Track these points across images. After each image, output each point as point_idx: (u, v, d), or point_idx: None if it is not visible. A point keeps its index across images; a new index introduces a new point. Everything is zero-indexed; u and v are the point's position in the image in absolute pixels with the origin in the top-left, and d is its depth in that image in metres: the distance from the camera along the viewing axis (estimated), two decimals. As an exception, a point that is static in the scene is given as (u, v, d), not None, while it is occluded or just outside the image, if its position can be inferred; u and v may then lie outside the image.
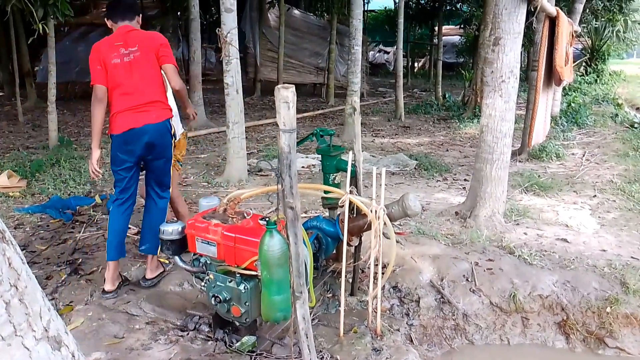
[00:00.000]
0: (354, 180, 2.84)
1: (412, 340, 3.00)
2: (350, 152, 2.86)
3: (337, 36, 13.32)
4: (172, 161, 3.25)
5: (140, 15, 3.17)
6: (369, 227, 2.68)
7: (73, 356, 1.43)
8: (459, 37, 20.81)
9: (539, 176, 5.69)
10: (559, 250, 3.71)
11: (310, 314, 2.44)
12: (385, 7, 25.49)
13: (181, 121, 3.57)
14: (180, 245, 2.59)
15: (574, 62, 7.31)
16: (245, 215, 2.54)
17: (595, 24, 14.82)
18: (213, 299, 2.48)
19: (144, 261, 3.41)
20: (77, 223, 4.23)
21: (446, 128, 9.50)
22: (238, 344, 2.54)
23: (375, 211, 2.60)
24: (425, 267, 3.42)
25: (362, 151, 3.75)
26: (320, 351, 2.53)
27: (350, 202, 2.69)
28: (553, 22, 4.69)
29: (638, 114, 11.00)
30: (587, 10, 13.01)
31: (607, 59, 15.80)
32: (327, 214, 3.23)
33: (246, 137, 5.73)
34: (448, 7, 19.07)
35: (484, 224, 4.01)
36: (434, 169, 6.12)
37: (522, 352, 3.16)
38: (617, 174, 5.79)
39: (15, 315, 1.24)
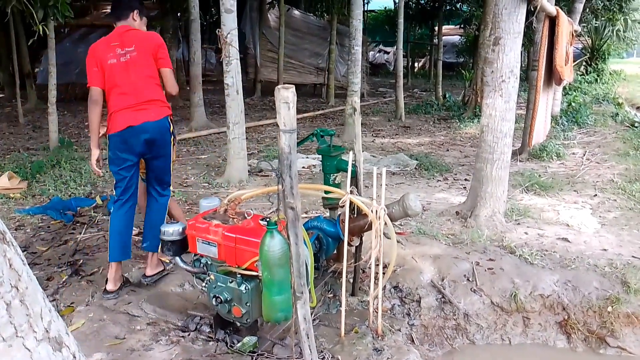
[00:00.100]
0: (355, 181, 2.84)
1: (413, 340, 3.00)
2: (351, 152, 2.86)
3: (337, 36, 13.32)
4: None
5: (137, 11, 3.12)
6: (370, 227, 2.67)
7: (74, 357, 1.43)
8: (459, 37, 20.83)
9: (539, 176, 5.69)
10: (559, 249, 3.70)
11: (311, 314, 2.44)
12: (385, 7, 25.50)
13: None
14: (181, 246, 2.59)
15: (574, 61, 7.32)
16: (246, 215, 2.54)
17: (596, 24, 14.82)
18: (214, 299, 2.48)
19: (145, 262, 3.42)
20: (78, 224, 4.23)
21: (446, 128, 9.50)
22: (239, 344, 2.54)
23: (376, 211, 2.60)
24: (426, 267, 3.42)
25: (363, 151, 3.75)
26: (322, 351, 2.53)
27: (351, 202, 2.69)
28: (553, 21, 4.69)
29: (638, 113, 11.00)
30: (587, 9, 13.01)
31: (608, 58, 15.79)
32: (327, 214, 3.23)
33: (247, 138, 5.73)
34: (448, 7, 19.08)
35: (484, 223, 4.00)
36: (434, 169, 6.11)
37: (523, 352, 3.16)
38: (618, 173, 5.79)
39: (16, 316, 1.24)
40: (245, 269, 2.40)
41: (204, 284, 2.58)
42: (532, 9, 4.00)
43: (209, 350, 2.56)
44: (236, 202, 2.57)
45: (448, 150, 7.53)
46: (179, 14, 12.57)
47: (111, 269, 3.03)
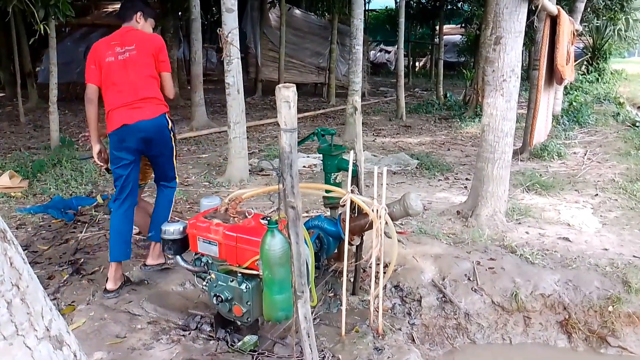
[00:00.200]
0: (355, 180, 2.84)
1: (414, 340, 3.00)
2: (352, 152, 2.86)
3: (338, 36, 13.33)
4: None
5: (141, 12, 3.15)
6: (371, 227, 2.67)
7: (75, 356, 1.43)
8: (460, 37, 20.83)
9: (540, 175, 5.68)
10: (560, 249, 3.70)
11: (312, 313, 2.44)
12: (386, 7, 25.53)
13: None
14: (182, 245, 2.59)
15: (575, 61, 7.30)
16: (247, 214, 2.54)
17: (597, 23, 14.81)
18: (215, 298, 2.48)
19: (145, 262, 3.42)
20: (79, 223, 4.23)
21: (447, 127, 9.49)
22: (240, 343, 2.54)
23: (377, 210, 2.60)
24: (426, 267, 3.41)
25: (364, 150, 3.75)
26: (322, 350, 2.53)
27: (352, 202, 2.69)
28: (554, 20, 4.69)
29: (639, 113, 10.98)
30: (589, 8, 12.99)
31: (609, 57, 15.78)
32: (328, 213, 3.23)
33: (247, 137, 5.74)
34: (449, 7, 19.10)
35: (485, 223, 4.00)
36: (435, 168, 6.11)
37: (524, 352, 3.16)
38: (619, 173, 5.78)
39: (17, 315, 1.24)
40: (246, 268, 2.40)
41: (204, 283, 2.58)
42: (533, 8, 3.99)
43: (209, 349, 2.56)
44: (237, 201, 2.57)
45: (449, 149, 7.52)
46: (179, 14, 12.59)
47: (111, 268, 3.03)
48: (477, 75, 10.47)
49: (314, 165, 6.21)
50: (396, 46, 13.80)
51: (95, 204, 4.64)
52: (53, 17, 6.14)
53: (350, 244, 2.87)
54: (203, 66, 9.72)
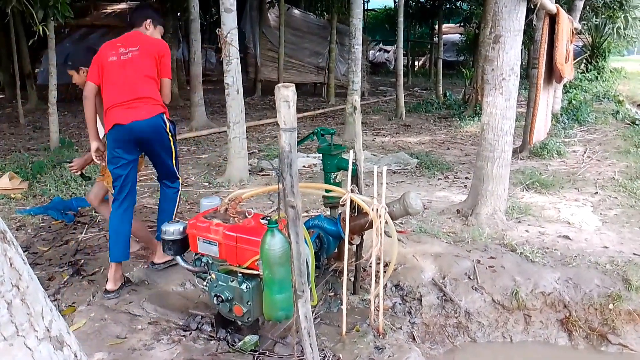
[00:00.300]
0: (355, 179, 2.84)
1: (414, 339, 3.01)
2: (351, 151, 2.86)
3: (337, 35, 13.32)
4: (103, 178, 3.28)
5: (150, 20, 3.24)
6: (371, 226, 2.67)
7: (75, 356, 1.43)
8: (459, 36, 20.83)
9: (540, 174, 5.68)
10: (560, 247, 3.70)
11: (312, 312, 2.44)
12: (385, 6, 25.51)
13: None
14: (182, 245, 2.59)
15: (574, 59, 7.31)
16: (247, 214, 2.54)
17: (596, 21, 14.79)
18: (215, 298, 2.48)
19: (146, 262, 3.42)
20: (79, 224, 4.23)
21: (447, 126, 9.49)
22: (240, 343, 2.54)
23: (377, 210, 2.60)
24: (427, 266, 3.42)
25: (363, 150, 3.75)
26: (323, 350, 2.53)
27: (352, 201, 2.69)
28: (553, 19, 4.69)
29: (639, 111, 10.98)
30: (587, 7, 12.99)
31: (608, 56, 15.77)
32: (328, 213, 3.23)
33: (247, 137, 5.73)
34: (448, 6, 19.09)
35: (485, 221, 4.00)
36: (435, 167, 6.11)
37: (524, 350, 3.16)
38: (619, 171, 5.78)
39: (17, 316, 1.24)
40: (246, 268, 2.40)
41: (205, 283, 2.58)
42: (532, 7, 4.00)
43: (210, 349, 2.56)
44: (237, 201, 2.57)
45: (449, 148, 7.52)
46: (179, 14, 12.60)
47: (111, 269, 3.03)
48: (477, 74, 10.46)
49: (313, 164, 6.21)
50: (395, 45, 13.79)
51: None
52: (52, 18, 6.14)
53: (350, 243, 2.88)
54: (202, 66, 9.71)
